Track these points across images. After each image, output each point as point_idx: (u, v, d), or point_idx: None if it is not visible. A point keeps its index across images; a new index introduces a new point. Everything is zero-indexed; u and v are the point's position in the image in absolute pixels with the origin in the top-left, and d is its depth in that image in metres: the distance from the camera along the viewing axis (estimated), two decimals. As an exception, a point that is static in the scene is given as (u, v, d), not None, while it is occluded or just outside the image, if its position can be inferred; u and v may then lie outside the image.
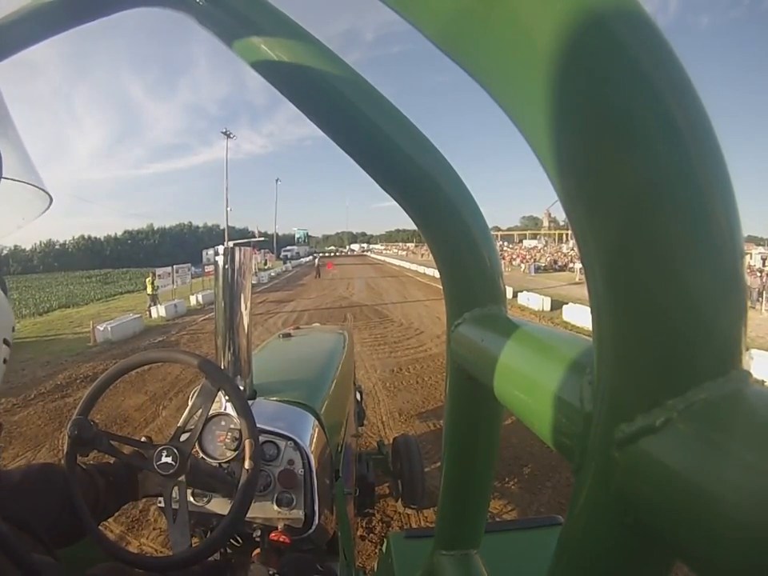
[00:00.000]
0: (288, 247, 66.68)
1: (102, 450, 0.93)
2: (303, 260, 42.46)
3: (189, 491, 1.04)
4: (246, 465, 0.93)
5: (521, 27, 0.23)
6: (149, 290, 13.82)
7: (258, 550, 1.09)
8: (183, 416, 1.00)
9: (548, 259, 32.47)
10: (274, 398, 1.33)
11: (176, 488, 0.96)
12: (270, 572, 0.92)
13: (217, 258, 1.21)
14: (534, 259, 33.32)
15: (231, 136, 41.96)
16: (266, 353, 2.10)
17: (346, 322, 10.34)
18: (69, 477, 0.93)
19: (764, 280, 13.77)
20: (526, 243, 61.35)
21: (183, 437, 0.98)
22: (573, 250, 36.31)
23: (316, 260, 32.39)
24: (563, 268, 29.32)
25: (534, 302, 12.84)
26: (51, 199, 0.85)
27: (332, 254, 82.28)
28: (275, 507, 1.13)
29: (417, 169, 0.53)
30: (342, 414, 1.77)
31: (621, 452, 0.25)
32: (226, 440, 1.13)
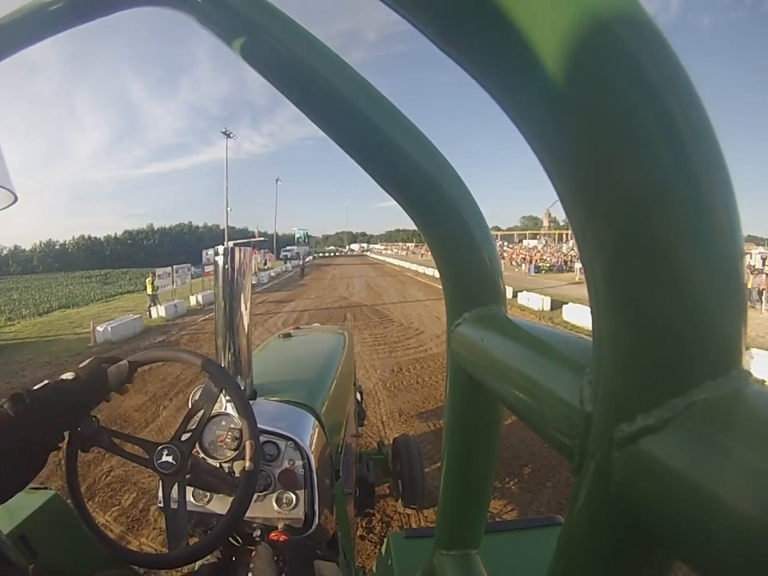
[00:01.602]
0: (288, 247, 66.66)
1: (102, 447, 0.93)
2: (307, 259, 42.53)
3: (189, 491, 1.04)
4: (246, 465, 0.93)
5: (520, 27, 0.23)
6: (149, 290, 13.82)
7: None
8: (184, 415, 1.00)
9: (557, 260, 31.39)
10: (275, 398, 1.33)
11: (175, 487, 0.96)
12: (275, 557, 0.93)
13: (217, 258, 1.21)
14: (542, 260, 32.58)
15: (231, 136, 42.00)
16: (266, 353, 2.10)
17: (346, 322, 10.34)
18: (68, 471, 0.93)
19: (764, 279, 13.77)
20: (526, 243, 61.36)
21: (184, 437, 0.98)
22: (573, 249, 36.10)
23: (300, 261, 32.14)
24: (563, 269, 28.97)
25: (534, 301, 12.84)
26: (16, 198, 0.85)
27: (332, 254, 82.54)
28: (275, 507, 1.13)
29: (417, 169, 0.53)
30: (342, 414, 1.77)
31: (621, 452, 0.25)
32: (227, 440, 1.13)
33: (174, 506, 0.94)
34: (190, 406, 1.02)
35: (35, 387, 0.80)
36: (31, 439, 0.73)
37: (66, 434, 0.89)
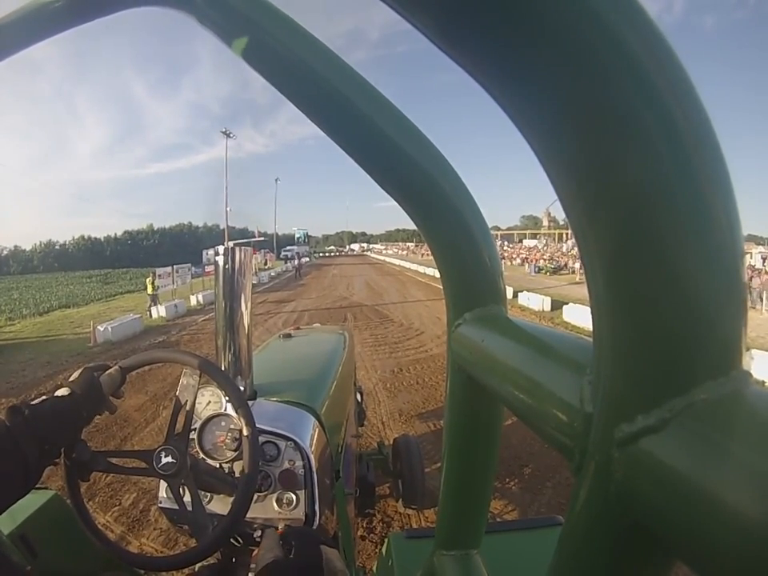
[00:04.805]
0: (288, 247, 66.56)
1: (101, 470, 0.93)
2: (303, 260, 42.36)
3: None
4: (246, 465, 0.93)
5: (520, 27, 0.23)
6: (149, 290, 13.83)
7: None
8: (171, 414, 1.00)
9: (569, 261, 29.55)
10: (275, 399, 1.33)
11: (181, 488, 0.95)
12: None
13: (217, 257, 1.21)
14: (547, 260, 31.49)
15: (231, 136, 42.06)
16: (266, 353, 2.11)
17: (347, 322, 10.33)
18: (74, 504, 0.93)
19: (764, 279, 13.76)
20: (526, 243, 61.33)
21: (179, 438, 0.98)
22: (573, 249, 35.87)
23: (296, 261, 31.89)
24: (564, 268, 28.25)
25: (534, 302, 12.84)
26: None
27: (332, 254, 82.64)
28: (276, 507, 1.13)
29: (417, 169, 0.53)
30: (343, 415, 1.77)
31: (621, 452, 0.25)
32: (226, 440, 1.13)
33: (189, 507, 0.94)
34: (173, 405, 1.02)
35: (33, 402, 0.80)
36: (28, 452, 0.72)
37: (62, 458, 0.88)
